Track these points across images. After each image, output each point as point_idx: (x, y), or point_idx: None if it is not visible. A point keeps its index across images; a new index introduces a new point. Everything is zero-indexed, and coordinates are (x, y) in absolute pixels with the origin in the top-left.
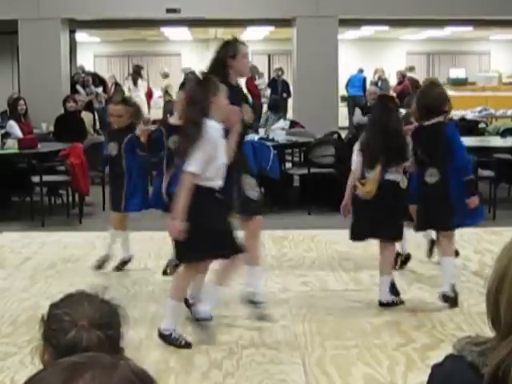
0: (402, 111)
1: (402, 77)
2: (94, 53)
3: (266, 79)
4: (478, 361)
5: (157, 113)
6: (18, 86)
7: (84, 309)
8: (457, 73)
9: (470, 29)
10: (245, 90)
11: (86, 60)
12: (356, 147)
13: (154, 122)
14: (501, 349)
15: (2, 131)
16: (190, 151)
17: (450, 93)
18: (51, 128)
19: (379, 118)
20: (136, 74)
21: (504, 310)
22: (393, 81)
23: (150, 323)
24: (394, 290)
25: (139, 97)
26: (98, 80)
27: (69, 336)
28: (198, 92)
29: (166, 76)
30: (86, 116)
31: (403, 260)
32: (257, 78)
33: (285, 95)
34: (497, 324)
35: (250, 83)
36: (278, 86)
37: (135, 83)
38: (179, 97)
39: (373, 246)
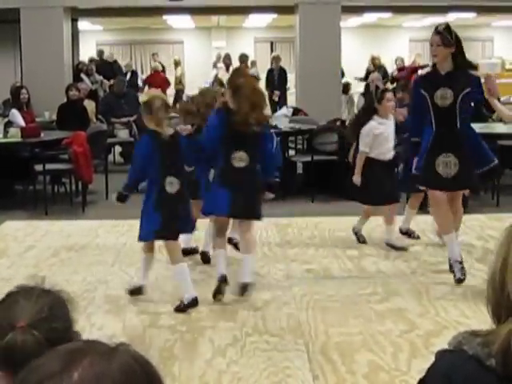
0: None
1: (402, 63)
2: (97, 41)
3: (257, 68)
4: (482, 352)
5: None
6: (20, 75)
7: (20, 307)
8: None
9: (473, 15)
10: None
11: (89, 49)
12: None
13: None
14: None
15: (5, 120)
16: None
17: None
18: (54, 116)
19: None
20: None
21: None
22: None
23: (154, 311)
24: None
25: None
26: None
27: (5, 340)
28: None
29: (178, 64)
30: (89, 104)
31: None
32: (249, 66)
33: (278, 93)
34: (501, 306)
35: None
36: (275, 76)
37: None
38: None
39: (376, 232)
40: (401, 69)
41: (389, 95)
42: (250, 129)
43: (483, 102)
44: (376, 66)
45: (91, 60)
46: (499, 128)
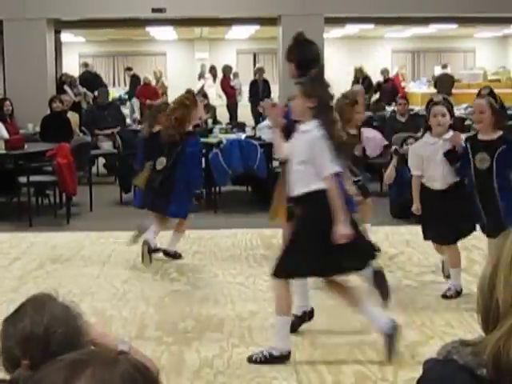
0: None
1: (387, 74)
2: (80, 53)
3: (240, 79)
4: (473, 362)
5: None
6: (3, 87)
7: (27, 336)
8: (442, 70)
9: (454, 26)
10: (220, 91)
11: (72, 60)
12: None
13: None
14: (500, 327)
15: None
16: None
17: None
18: (37, 128)
19: None
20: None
21: (503, 288)
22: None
23: (140, 323)
24: None
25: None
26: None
27: (12, 375)
28: None
29: (160, 76)
30: (73, 116)
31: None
32: (232, 78)
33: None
34: (490, 313)
35: (225, 84)
36: (259, 87)
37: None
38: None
39: None
40: (386, 80)
41: (435, 109)
42: (173, 140)
43: None
44: (360, 77)
45: (84, 69)
46: None
